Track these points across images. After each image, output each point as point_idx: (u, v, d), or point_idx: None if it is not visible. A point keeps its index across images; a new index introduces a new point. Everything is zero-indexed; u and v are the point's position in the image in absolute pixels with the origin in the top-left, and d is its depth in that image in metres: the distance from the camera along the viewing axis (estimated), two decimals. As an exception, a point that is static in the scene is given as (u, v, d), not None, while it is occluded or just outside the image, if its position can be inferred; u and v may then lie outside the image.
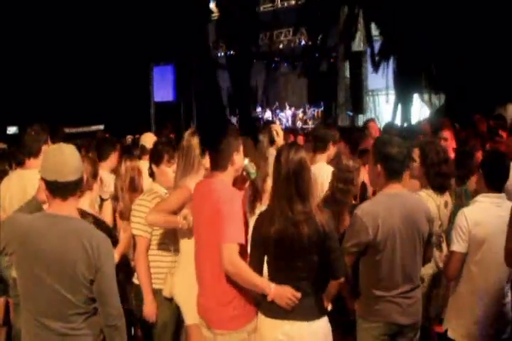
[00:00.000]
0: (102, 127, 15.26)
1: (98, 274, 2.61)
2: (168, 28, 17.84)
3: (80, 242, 2.59)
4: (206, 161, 5.41)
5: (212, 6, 20.64)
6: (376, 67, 15.22)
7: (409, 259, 3.39)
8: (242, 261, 3.07)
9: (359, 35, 16.34)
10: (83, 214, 3.53)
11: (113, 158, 5.18)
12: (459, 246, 3.59)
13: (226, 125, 4.10)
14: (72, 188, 2.67)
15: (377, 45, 15.59)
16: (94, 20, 16.88)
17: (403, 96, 14.04)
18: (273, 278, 3.13)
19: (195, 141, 3.75)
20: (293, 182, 3.05)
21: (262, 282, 3.08)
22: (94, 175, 3.76)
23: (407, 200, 3.45)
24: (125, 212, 4.16)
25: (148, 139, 5.74)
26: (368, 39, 15.97)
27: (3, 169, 4.45)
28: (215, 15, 20.64)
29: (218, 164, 3.33)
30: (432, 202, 4.00)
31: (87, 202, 3.73)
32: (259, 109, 21.82)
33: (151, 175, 4.06)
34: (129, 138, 10.56)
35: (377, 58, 15.16)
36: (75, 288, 2.61)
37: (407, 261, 3.38)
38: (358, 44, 16.69)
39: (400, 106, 14.30)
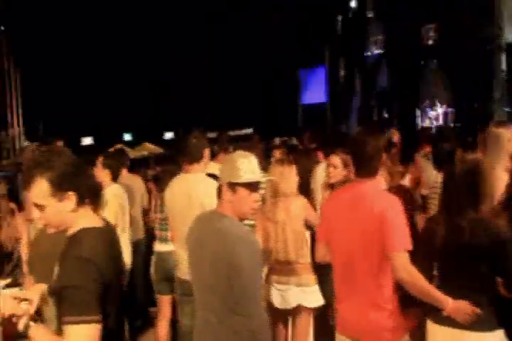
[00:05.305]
0: (251, 130, 15.71)
1: (233, 273, 2.58)
2: (316, 30, 17.98)
3: (222, 240, 2.62)
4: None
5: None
6: None
7: None
8: (416, 270, 2.90)
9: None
10: None
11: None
12: None
13: (376, 128, 3.93)
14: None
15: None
16: (239, 26, 17.44)
17: None
18: (440, 288, 2.94)
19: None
20: (465, 185, 2.89)
21: (439, 294, 2.89)
22: None
23: None
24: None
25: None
26: None
27: (175, 172, 4.59)
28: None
29: (369, 171, 3.05)
30: None
31: None
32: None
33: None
34: (277, 139, 10.80)
35: None
36: (217, 284, 2.64)
37: None
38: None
39: None
